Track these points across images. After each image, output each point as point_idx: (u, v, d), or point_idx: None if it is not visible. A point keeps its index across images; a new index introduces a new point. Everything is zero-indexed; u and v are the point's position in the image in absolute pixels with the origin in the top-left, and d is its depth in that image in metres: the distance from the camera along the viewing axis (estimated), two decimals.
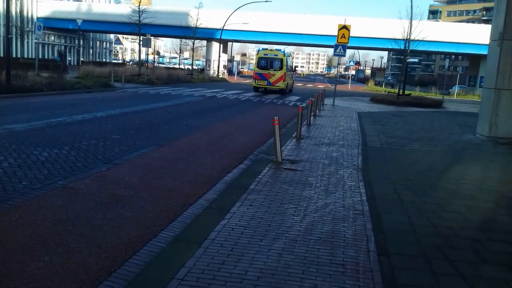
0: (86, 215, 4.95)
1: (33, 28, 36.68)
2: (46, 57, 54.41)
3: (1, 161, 6.93)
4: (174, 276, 3.57)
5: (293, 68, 38.30)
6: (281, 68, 28.61)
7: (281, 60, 28.76)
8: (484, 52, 18.69)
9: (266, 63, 28.92)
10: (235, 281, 3.53)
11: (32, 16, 53.24)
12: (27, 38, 50.84)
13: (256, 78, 29.28)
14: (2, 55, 41.30)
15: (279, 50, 30.15)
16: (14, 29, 41.73)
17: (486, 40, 14.43)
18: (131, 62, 76.33)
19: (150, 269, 3.74)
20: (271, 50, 30.00)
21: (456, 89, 45.43)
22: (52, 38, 59.87)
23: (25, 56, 46.44)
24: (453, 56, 55.37)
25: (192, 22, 44.81)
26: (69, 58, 61.94)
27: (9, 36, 19.62)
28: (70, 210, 5.06)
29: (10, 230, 4.43)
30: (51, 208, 5.09)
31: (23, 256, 3.89)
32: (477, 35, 45.12)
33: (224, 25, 47.43)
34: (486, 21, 75.33)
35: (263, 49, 29.87)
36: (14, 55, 47.06)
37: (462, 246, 4.51)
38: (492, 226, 5.28)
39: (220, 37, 49.27)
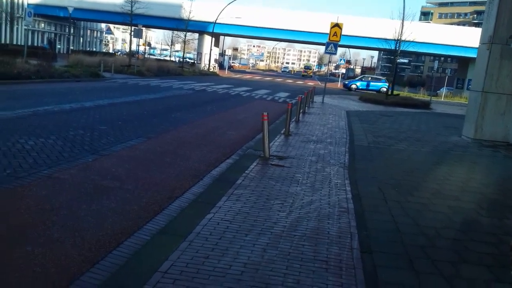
0: (70, 206, 4.92)
1: (23, 14, 36.18)
2: (35, 44, 53.65)
3: None
4: (158, 268, 3.57)
5: (312, 68, 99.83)
6: (310, 69, 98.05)
7: (310, 66, 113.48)
8: (473, 55, 18.85)
9: (306, 67, 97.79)
10: (218, 275, 3.54)
11: (22, 2, 52.40)
12: (17, 24, 50.11)
13: (302, 72, 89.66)
14: None
15: (310, 63, 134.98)
16: (4, 15, 41.11)
17: (476, 43, 14.58)
18: (119, 53, 75.42)
19: (134, 261, 3.73)
20: (308, 63, 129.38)
21: (444, 91, 45.83)
22: (42, 25, 59.06)
23: (14, 42, 45.72)
24: (442, 58, 55.77)
25: (184, 14, 44.48)
26: (59, 46, 61.20)
27: None
28: (54, 200, 5.02)
29: None
30: (35, 198, 5.05)
31: (5, 245, 3.86)
32: (467, 38, 45.53)
33: (216, 19, 47.21)
34: (477, 24, 75.93)
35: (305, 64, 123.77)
36: (3, 41, 46.45)
37: (444, 246, 4.58)
38: (474, 227, 5.36)
39: (213, 30, 49.03)
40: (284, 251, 4.10)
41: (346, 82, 42.73)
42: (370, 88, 40.35)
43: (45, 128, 8.94)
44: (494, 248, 4.68)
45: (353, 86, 40.69)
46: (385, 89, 39.98)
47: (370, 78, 44.02)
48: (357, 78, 43.77)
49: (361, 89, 39.92)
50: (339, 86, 48.79)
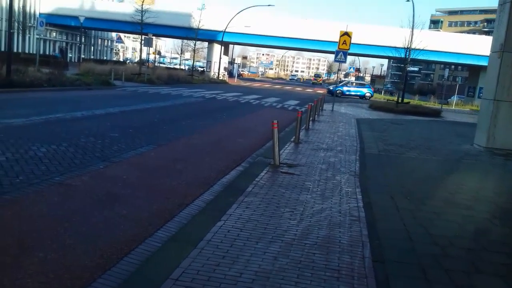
0: (82, 212, 4.95)
1: (35, 23, 36.63)
2: (47, 53, 54.30)
3: None
4: (169, 276, 3.56)
5: (321, 77, 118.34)
6: (320, 77, 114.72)
7: (320, 74, 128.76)
8: (484, 63, 18.76)
9: (316, 75, 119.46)
10: (229, 283, 3.53)
11: (34, 11, 53.19)
12: (29, 33, 50.75)
13: (312, 79, 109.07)
14: (3, 49, 41.27)
15: (320, 72, 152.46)
16: (16, 24, 41.64)
17: (487, 51, 14.49)
18: (129, 61, 75.94)
19: (145, 268, 3.74)
20: (318, 72, 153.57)
21: (454, 99, 45.55)
22: (54, 34, 59.81)
23: (26, 51, 46.35)
24: (452, 66, 55.55)
25: (194, 23, 44.89)
26: (70, 55, 61.89)
27: (11, 31, 19.61)
28: (66, 207, 5.05)
29: (6, 225, 4.42)
30: (47, 204, 5.09)
31: (18, 251, 3.88)
32: (478, 46, 45.34)
33: (226, 28, 47.51)
34: (487, 33, 75.58)
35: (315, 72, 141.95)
36: (15, 50, 47.01)
37: (457, 255, 4.52)
38: (487, 236, 5.29)
39: (222, 39, 49.32)
40: (295, 259, 4.08)
41: (331, 88, 41.85)
42: (354, 93, 40.56)
43: (57, 135, 9.03)
44: (508, 258, 4.62)
45: (338, 92, 40.39)
46: (369, 95, 40.18)
47: (354, 84, 44.07)
48: (341, 84, 43.43)
49: (346, 94, 40.02)
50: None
